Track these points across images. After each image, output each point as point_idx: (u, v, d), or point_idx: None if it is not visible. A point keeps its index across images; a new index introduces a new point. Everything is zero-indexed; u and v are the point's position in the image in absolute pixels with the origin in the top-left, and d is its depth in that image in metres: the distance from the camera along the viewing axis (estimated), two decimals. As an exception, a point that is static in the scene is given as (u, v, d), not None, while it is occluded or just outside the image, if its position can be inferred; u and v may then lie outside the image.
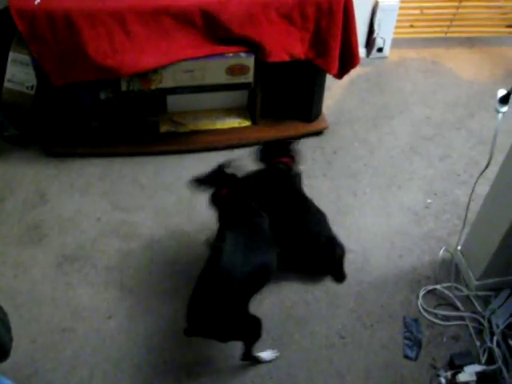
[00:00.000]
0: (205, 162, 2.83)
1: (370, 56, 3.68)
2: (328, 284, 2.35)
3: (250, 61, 2.57)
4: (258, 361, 2.08)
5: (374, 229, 2.57)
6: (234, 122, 3.02)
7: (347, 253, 2.44)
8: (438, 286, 2.34)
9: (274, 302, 2.27)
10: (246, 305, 1.91)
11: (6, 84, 2.73)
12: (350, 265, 2.42)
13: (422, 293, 2.32)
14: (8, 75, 2.71)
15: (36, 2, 2.34)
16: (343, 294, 2.32)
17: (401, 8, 3.56)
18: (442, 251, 2.47)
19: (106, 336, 2.16)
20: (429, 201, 2.72)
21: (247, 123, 3.02)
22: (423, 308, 2.27)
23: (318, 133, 3.05)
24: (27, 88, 2.74)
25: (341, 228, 2.54)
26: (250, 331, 1.96)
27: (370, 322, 2.23)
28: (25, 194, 2.68)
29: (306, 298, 2.30)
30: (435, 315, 2.26)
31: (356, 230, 2.56)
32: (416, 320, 2.24)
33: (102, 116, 2.89)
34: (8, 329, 1.91)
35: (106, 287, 2.31)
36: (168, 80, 2.55)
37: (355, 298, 2.31)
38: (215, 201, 2.17)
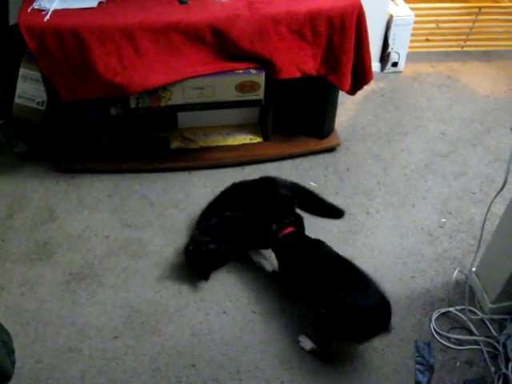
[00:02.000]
0: (215, 179, 2.82)
1: (385, 71, 3.64)
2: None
3: (260, 77, 2.53)
4: None
5: (386, 249, 2.52)
6: (245, 139, 2.98)
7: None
8: (451, 309, 2.28)
9: (283, 325, 2.23)
10: None
11: (17, 100, 2.72)
12: (361, 285, 2.37)
13: (434, 316, 2.26)
14: (18, 91, 2.71)
15: (45, 19, 2.33)
16: (354, 315, 2.27)
17: (416, 22, 3.51)
18: (456, 272, 2.40)
19: (111, 357, 2.12)
20: (443, 220, 2.66)
21: (258, 139, 2.98)
22: (436, 331, 2.21)
23: (331, 149, 3.01)
24: (38, 104, 2.73)
25: (352, 247, 2.51)
26: None
27: (382, 345, 2.17)
28: (34, 210, 2.66)
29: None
30: (448, 339, 2.19)
31: (368, 249, 2.51)
32: (428, 344, 2.17)
33: (112, 132, 2.88)
34: (11, 352, 1.89)
35: (113, 306, 2.28)
36: (177, 97, 2.52)
37: (366, 320, 2.26)
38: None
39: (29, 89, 2.70)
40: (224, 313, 2.27)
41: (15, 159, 2.88)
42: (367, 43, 2.61)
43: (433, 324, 2.24)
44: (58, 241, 2.53)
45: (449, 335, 2.20)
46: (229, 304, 2.30)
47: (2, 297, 2.31)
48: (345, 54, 2.58)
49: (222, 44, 2.45)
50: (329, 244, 2.46)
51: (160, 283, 2.37)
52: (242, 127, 3.04)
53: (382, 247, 2.52)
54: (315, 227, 2.59)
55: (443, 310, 2.28)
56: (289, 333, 2.20)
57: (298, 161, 2.95)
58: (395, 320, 2.23)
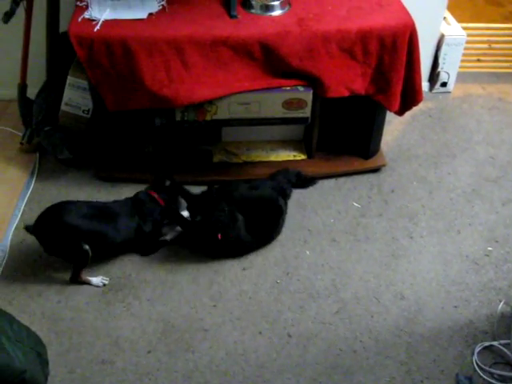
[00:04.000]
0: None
1: (433, 90, 3.56)
2: (378, 332, 2.24)
3: (307, 95, 2.49)
4: (87, 283, 2.39)
5: (429, 276, 2.45)
6: (289, 155, 2.95)
7: (400, 300, 2.34)
8: (495, 343, 2.19)
9: (320, 349, 2.18)
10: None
11: (63, 107, 2.74)
12: (401, 312, 2.30)
13: (477, 349, 2.18)
14: (65, 98, 2.72)
15: (95, 29, 2.34)
16: (393, 344, 2.21)
17: (468, 42, 3.43)
18: (501, 305, 2.32)
19: (144, 371, 2.10)
20: (489, 248, 2.57)
21: (302, 156, 2.95)
22: (478, 365, 2.13)
23: (376, 170, 2.95)
24: (83, 112, 2.74)
25: (394, 273, 2.45)
26: (77, 259, 2.34)
27: (421, 376, 2.10)
28: (75, 217, 2.67)
29: (354, 346, 2.19)
30: (491, 374, 2.11)
31: (410, 275, 2.44)
32: (470, 378, 2.09)
33: (155, 142, 2.87)
34: (45, 364, 1.88)
35: (149, 320, 2.26)
36: (223, 112, 2.50)
37: (406, 349, 2.18)
38: None
39: (75, 97, 2.71)
40: (260, 333, 2.23)
41: (59, 165, 2.90)
42: (418, 64, 2.55)
43: (475, 357, 2.15)
44: (97, 250, 2.53)
45: (492, 370, 2.12)
46: (265, 325, 2.25)
47: (39, 303, 2.32)
48: (395, 74, 2.52)
49: (271, 60, 2.42)
50: (370, 268, 2.43)
51: (197, 299, 2.34)
52: (285, 143, 3.01)
53: (424, 274, 2.45)
54: (356, 250, 2.54)
55: (486, 344, 2.20)
56: (325, 359, 2.15)
57: (341, 180, 2.90)
58: (436, 351, 2.17)
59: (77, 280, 2.37)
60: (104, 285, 2.38)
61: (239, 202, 2.53)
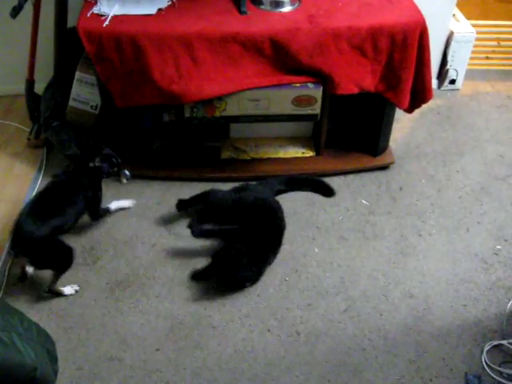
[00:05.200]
0: (264, 192, 2.77)
1: (442, 88, 3.55)
2: (386, 330, 2.23)
3: (317, 92, 2.48)
4: (60, 294, 2.30)
5: (438, 274, 2.43)
6: (297, 152, 2.94)
7: (409, 298, 2.33)
8: (504, 342, 2.18)
9: (329, 347, 2.17)
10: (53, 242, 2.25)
11: (71, 103, 2.74)
12: (410, 311, 2.29)
13: (486, 347, 2.17)
14: (73, 94, 2.72)
15: (104, 24, 2.33)
16: (402, 342, 2.20)
17: (477, 39, 3.42)
18: (510, 303, 2.31)
19: (152, 368, 2.10)
20: (498, 247, 2.56)
21: (311, 153, 2.93)
22: (487, 364, 2.12)
23: (384, 167, 2.94)
24: (91, 107, 2.74)
25: (402, 271, 2.44)
26: (60, 262, 2.27)
27: (429, 375, 2.09)
28: (82, 213, 2.67)
29: (363, 344, 2.18)
30: (500, 373, 2.10)
31: (418, 274, 2.43)
32: (479, 377, 2.08)
33: (163, 138, 2.86)
34: (54, 360, 1.88)
35: (157, 317, 2.26)
36: (232, 108, 2.49)
37: (414, 347, 2.18)
38: None
39: (83, 92, 2.71)
40: (268, 331, 2.22)
41: (66, 161, 2.88)
42: (429, 61, 2.54)
43: (484, 356, 2.14)
44: (105, 246, 2.52)
45: (500, 369, 2.11)
46: (274, 322, 2.25)
47: (46, 299, 2.31)
48: (405, 71, 2.51)
49: (281, 56, 2.41)
50: (379, 266, 2.42)
51: (205, 296, 2.34)
52: (294, 140, 3.00)
53: (433, 272, 2.44)
54: (365, 247, 2.53)
55: (495, 343, 2.19)
56: (334, 357, 2.14)
57: (349, 177, 2.89)
58: (445, 349, 2.17)
59: (53, 291, 2.29)
60: (76, 291, 2.32)
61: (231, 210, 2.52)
